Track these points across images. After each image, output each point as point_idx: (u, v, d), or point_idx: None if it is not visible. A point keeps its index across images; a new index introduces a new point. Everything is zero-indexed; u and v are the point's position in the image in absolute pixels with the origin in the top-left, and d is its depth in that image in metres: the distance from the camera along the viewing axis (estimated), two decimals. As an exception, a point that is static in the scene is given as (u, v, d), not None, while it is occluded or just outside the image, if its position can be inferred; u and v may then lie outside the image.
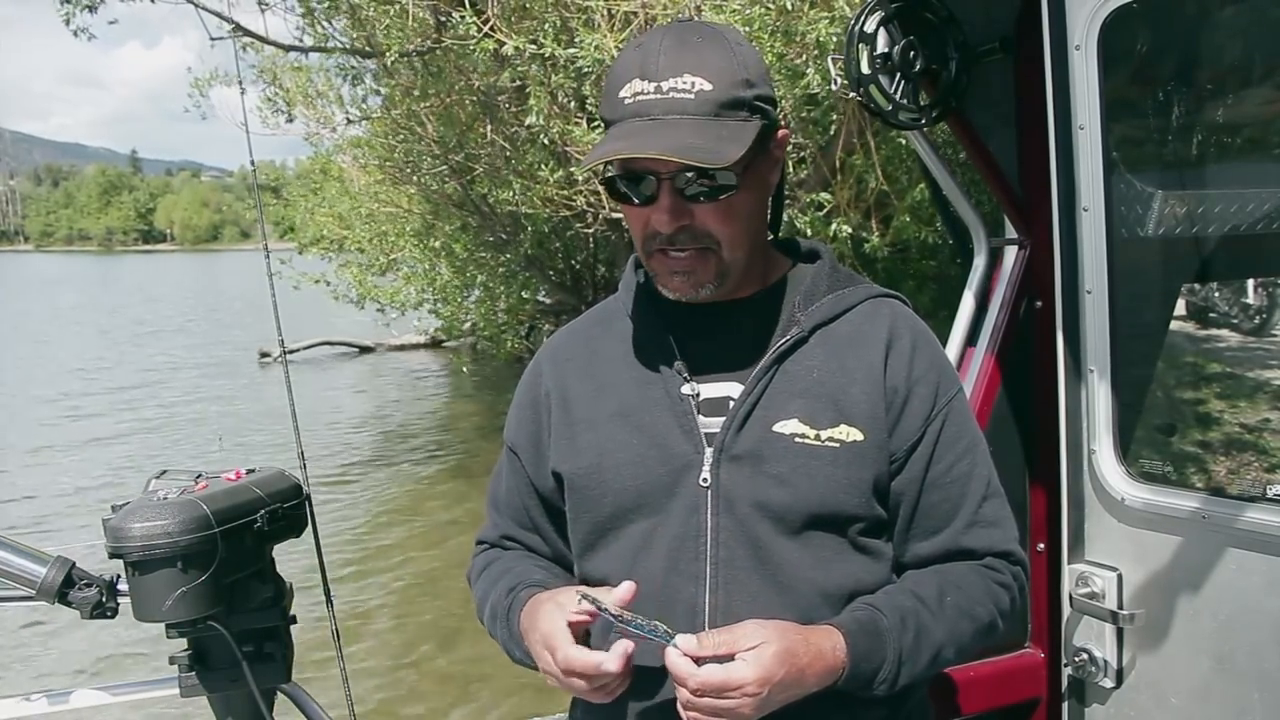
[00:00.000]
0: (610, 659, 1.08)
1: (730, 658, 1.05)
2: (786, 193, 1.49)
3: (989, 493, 1.26)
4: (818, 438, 1.17)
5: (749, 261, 1.23)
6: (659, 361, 1.24)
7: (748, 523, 1.17)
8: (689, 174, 1.13)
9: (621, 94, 1.14)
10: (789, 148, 1.28)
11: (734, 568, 1.17)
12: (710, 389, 1.22)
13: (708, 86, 1.11)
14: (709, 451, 1.19)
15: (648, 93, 1.12)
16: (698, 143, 1.09)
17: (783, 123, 1.23)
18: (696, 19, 1.41)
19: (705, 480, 1.18)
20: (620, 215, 8.26)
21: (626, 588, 1.12)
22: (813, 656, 1.08)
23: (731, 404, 1.20)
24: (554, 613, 1.14)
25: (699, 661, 1.05)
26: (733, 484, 1.18)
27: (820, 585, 1.17)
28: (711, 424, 1.20)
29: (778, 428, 1.18)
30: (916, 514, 1.23)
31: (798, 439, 1.17)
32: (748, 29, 5.75)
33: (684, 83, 1.11)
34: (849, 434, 1.18)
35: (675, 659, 1.05)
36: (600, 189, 7.83)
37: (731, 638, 1.06)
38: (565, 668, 1.10)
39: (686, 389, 1.22)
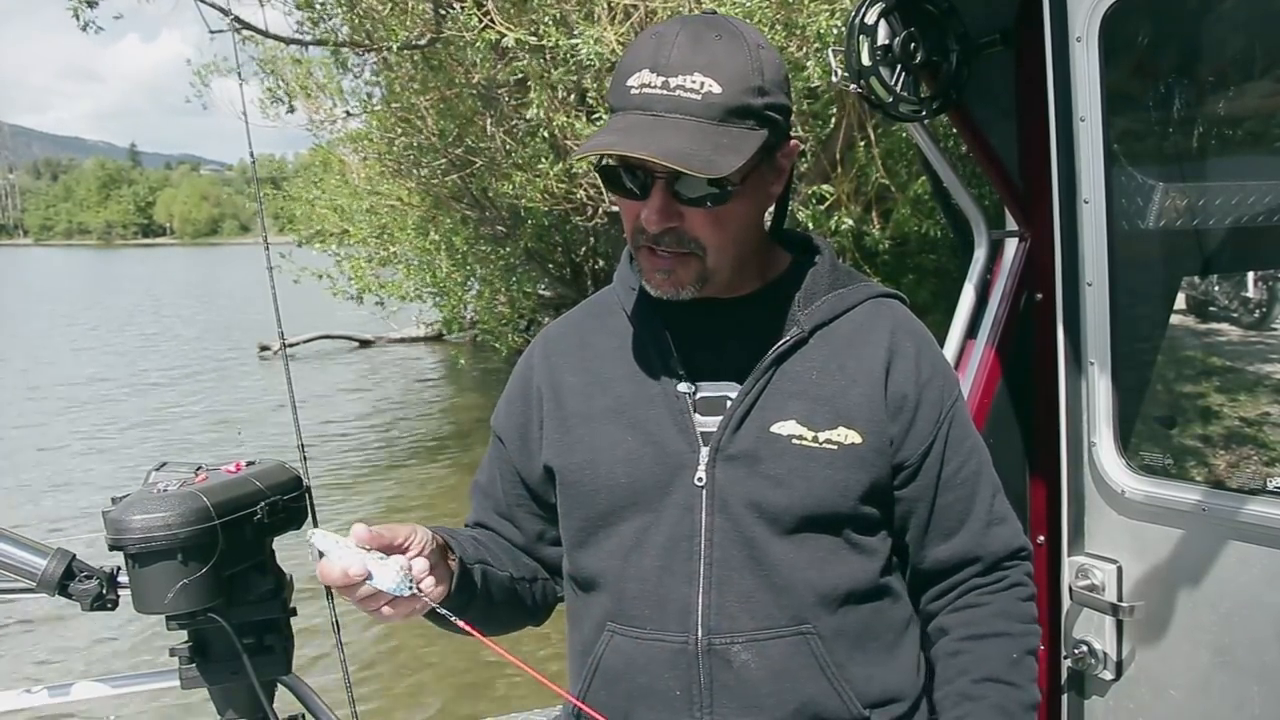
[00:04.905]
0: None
1: None
2: (787, 185, 1.47)
3: (994, 489, 1.29)
4: (815, 439, 1.17)
5: (738, 266, 1.21)
6: (655, 358, 1.23)
7: (742, 523, 1.17)
8: (684, 176, 1.10)
9: (629, 82, 1.11)
10: (790, 142, 1.25)
11: (728, 568, 1.17)
12: (708, 388, 1.21)
13: (716, 89, 1.08)
14: (705, 451, 1.18)
15: (654, 86, 1.08)
16: (694, 149, 1.06)
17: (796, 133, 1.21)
18: (696, 10, 1.40)
19: (700, 479, 1.17)
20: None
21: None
22: None
23: (729, 404, 1.19)
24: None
25: None
26: (728, 484, 1.17)
27: (815, 585, 1.17)
28: (708, 423, 1.19)
29: (775, 428, 1.17)
30: (933, 516, 1.24)
31: (795, 440, 1.17)
32: (748, 21, 5.72)
33: (693, 81, 1.07)
34: (847, 436, 1.18)
35: None
36: (599, 180, 7.82)
37: None
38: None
39: (683, 387, 1.21)
